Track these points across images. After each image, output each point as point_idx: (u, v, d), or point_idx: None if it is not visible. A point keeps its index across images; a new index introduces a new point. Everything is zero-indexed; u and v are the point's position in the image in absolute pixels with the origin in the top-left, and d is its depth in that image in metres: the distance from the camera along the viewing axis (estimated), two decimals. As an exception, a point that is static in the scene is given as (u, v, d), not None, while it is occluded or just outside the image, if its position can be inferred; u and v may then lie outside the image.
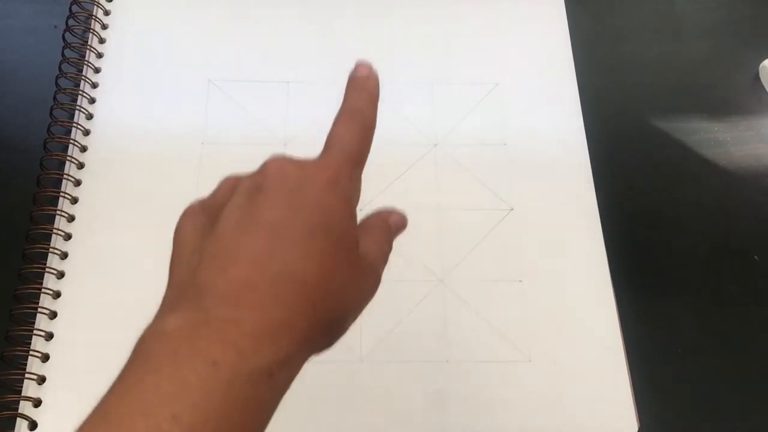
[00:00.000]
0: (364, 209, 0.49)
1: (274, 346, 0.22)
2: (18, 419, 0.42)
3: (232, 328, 0.22)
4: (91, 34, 0.54)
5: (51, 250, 0.46)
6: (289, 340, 0.23)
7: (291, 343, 0.23)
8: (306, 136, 0.52)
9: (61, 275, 0.46)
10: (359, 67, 0.31)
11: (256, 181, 0.26)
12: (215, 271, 0.24)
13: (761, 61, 0.56)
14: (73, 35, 0.54)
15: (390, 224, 0.31)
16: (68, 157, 0.49)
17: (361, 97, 0.30)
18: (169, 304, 0.25)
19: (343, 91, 0.30)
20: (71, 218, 0.48)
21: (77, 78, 0.52)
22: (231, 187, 0.27)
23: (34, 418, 0.42)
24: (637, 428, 0.43)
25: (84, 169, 0.50)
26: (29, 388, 0.43)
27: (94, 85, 0.53)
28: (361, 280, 0.27)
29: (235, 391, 0.21)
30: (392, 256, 0.47)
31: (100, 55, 0.54)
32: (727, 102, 0.56)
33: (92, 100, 0.52)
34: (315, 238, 0.24)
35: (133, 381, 0.23)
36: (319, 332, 0.24)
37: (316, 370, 0.44)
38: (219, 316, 0.23)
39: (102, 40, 0.55)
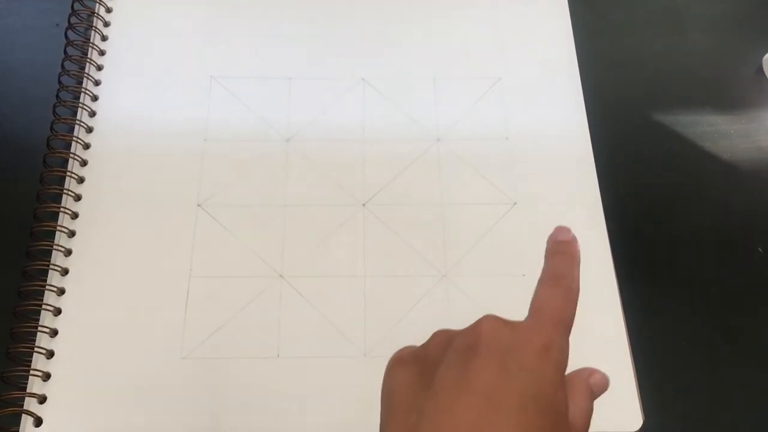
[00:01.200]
0: (367, 204, 0.49)
1: None
2: (23, 416, 0.42)
3: None
4: (93, 32, 0.54)
5: (55, 247, 0.46)
6: None
7: None
8: (308, 132, 0.52)
9: (65, 272, 0.46)
10: (560, 230, 0.31)
11: (470, 341, 0.26)
12: None
13: (765, 54, 0.56)
14: (76, 33, 0.54)
15: (592, 386, 0.30)
16: (71, 155, 0.49)
17: (565, 262, 0.30)
18: None
19: (545, 256, 0.31)
20: (75, 215, 0.48)
21: (80, 76, 0.52)
22: (443, 342, 0.28)
23: (39, 415, 0.42)
24: (641, 422, 0.43)
25: (87, 166, 0.50)
26: (34, 385, 0.43)
27: (97, 83, 0.53)
28: None
29: None
30: (396, 253, 0.47)
31: (102, 53, 0.54)
32: (730, 95, 0.55)
33: (95, 98, 0.52)
34: (528, 409, 0.24)
35: None
36: None
37: (319, 365, 0.44)
38: None
39: (104, 38, 0.55)
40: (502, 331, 0.26)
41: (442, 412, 0.24)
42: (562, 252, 0.31)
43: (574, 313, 0.29)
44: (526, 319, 0.28)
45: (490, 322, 0.27)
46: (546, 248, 0.31)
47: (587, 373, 0.30)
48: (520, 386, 0.25)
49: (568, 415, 0.27)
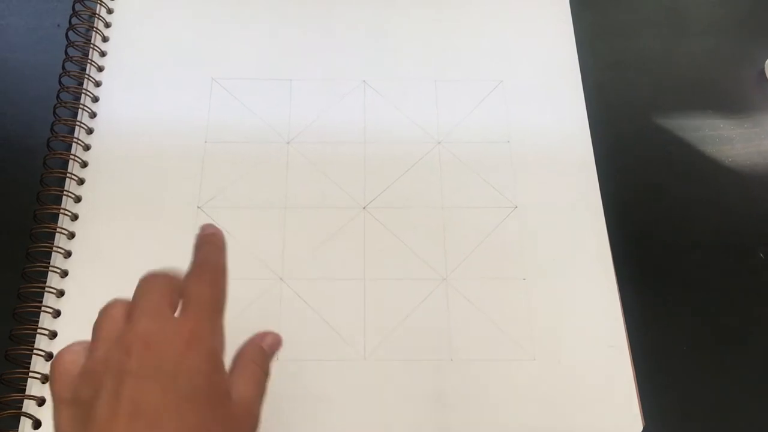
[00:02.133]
0: (368, 207, 0.49)
1: None
2: (22, 418, 0.42)
3: None
4: (94, 33, 0.54)
5: (54, 248, 0.46)
6: None
7: None
8: (309, 134, 0.52)
9: (64, 274, 0.46)
10: (204, 227, 0.34)
11: (122, 364, 0.27)
12: None
13: (766, 57, 0.56)
14: (77, 34, 0.54)
15: (265, 348, 0.32)
16: (71, 156, 0.49)
17: (209, 250, 0.32)
18: None
19: (192, 252, 0.32)
20: (75, 217, 0.48)
21: (80, 77, 0.52)
22: (94, 363, 0.28)
23: (38, 417, 0.42)
24: (642, 427, 0.43)
25: (87, 167, 0.50)
26: (33, 387, 0.43)
27: (98, 84, 0.53)
28: (237, 430, 0.28)
29: None
30: (396, 256, 0.47)
31: (103, 54, 0.54)
32: (732, 98, 0.55)
33: (95, 99, 0.52)
34: (186, 415, 0.26)
35: None
36: None
37: (319, 368, 0.44)
38: None
39: (105, 39, 0.55)
40: (152, 329, 0.28)
41: None
42: (206, 242, 0.33)
43: (224, 296, 0.31)
44: (178, 313, 0.30)
45: (140, 327, 0.28)
46: (193, 245, 0.32)
47: (258, 338, 0.32)
48: (175, 393, 0.26)
49: (234, 390, 0.29)
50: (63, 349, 0.30)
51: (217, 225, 0.47)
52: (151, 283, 0.31)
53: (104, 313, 0.31)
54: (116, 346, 0.28)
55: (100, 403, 0.26)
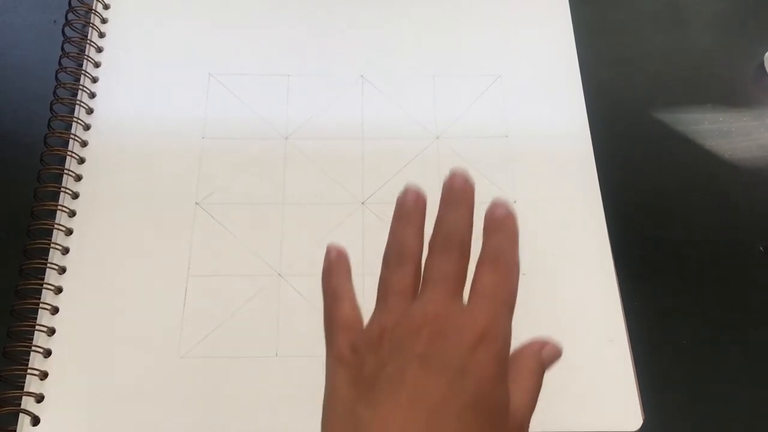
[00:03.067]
0: (366, 202, 0.49)
1: None
2: (20, 415, 0.42)
3: None
4: (90, 29, 0.54)
5: (52, 245, 0.46)
6: None
7: None
8: (307, 130, 0.52)
9: (62, 270, 0.46)
10: (497, 205, 0.30)
11: (411, 343, 0.26)
12: None
13: (766, 51, 0.56)
14: (73, 30, 0.53)
15: (543, 359, 0.30)
16: (69, 152, 0.49)
17: (504, 239, 0.29)
18: None
19: (483, 234, 0.30)
20: (72, 213, 0.48)
21: (77, 73, 0.52)
22: (381, 332, 0.27)
23: (37, 414, 0.42)
24: (641, 422, 0.43)
25: (85, 164, 0.49)
26: (31, 384, 0.43)
27: (94, 80, 0.52)
28: None
29: None
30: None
31: (99, 50, 0.54)
32: (731, 92, 0.55)
33: (92, 95, 0.52)
34: (466, 418, 0.25)
35: None
36: None
37: (318, 364, 0.44)
38: None
39: (102, 35, 0.54)
40: (444, 314, 0.26)
41: (380, 424, 0.25)
42: (498, 229, 0.29)
43: (516, 293, 0.29)
44: (468, 302, 0.28)
45: (435, 306, 0.26)
46: (483, 225, 0.30)
47: (538, 346, 0.30)
48: (459, 393, 0.25)
49: (510, 404, 0.27)
50: (339, 301, 0.29)
51: (215, 221, 0.48)
52: (448, 251, 0.28)
53: (396, 263, 0.29)
54: (406, 321, 0.27)
55: (383, 379, 0.25)
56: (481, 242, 0.30)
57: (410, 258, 0.29)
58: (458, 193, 0.31)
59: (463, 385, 0.25)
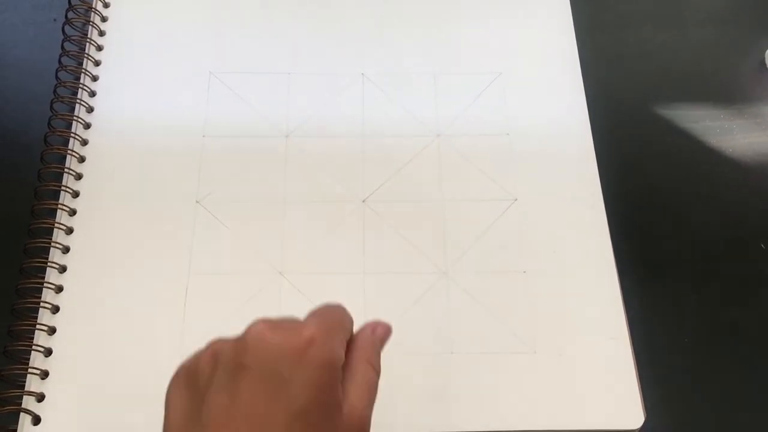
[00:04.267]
0: (367, 201, 0.49)
1: None
2: (21, 414, 0.42)
3: None
4: (90, 27, 0.54)
5: (53, 244, 0.46)
6: None
7: None
8: (307, 128, 0.51)
9: (63, 269, 0.46)
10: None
11: (238, 356, 0.27)
12: None
13: (767, 48, 0.56)
14: (73, 28, 0.53)
15: (376, 342, 0.31)
16: (69, 151, 0.49)
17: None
18: None
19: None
20: (73, 212, 0.47)
21: (77, 71, 0.52)
22: (214, 356, 0.28)
23: (38, 413, 0.42)
24: (643, 419, 0.43)
25: (85, 162, 0.49)
26: (32, 383, 0.43)
27: (95, 78, 0.52)
28: None
29: None
30: (396, 249, 0.47)
31: (100, 48, 0.54)
32: (732, 89, 0.55)
33: (92, 93, 0.52)
34: (296, 428, 0.25)
35: None
36: None
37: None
38: None
39: (102, 33, 0.54)
40: (267, 336, 0.27)
41: None
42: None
43: (350, 326, 0.30)
44: (304, 319, 0.29)
45: (257, 328, 0.27)
46: None
47: (370, 328, 0.31)
48: (288, 403, 0.25)
49: (345, 404, 0.27)
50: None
51: (216, 219, 0.48)
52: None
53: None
54: (233, 341, 0.27)
55: (211, 398, 0.26)
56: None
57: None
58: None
59: (290, 395, 0.26)
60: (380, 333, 0.32)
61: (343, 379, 0.28)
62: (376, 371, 0.30)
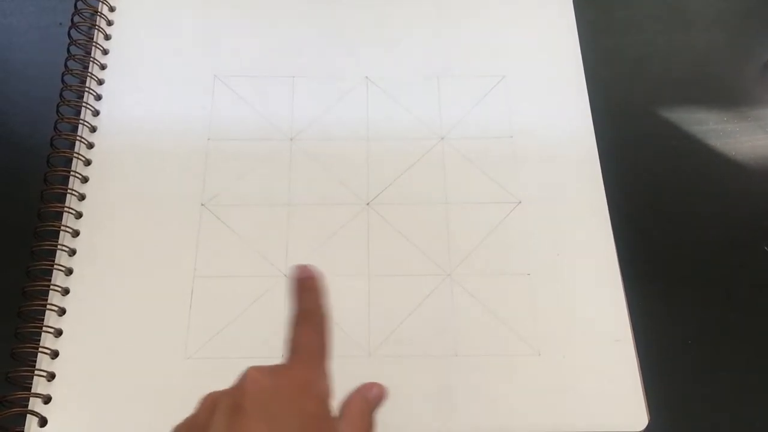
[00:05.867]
0: (371, 203, 0.49)
1: None
2: (28, 416, 0.42)
3: None
4: (96, 31, 0.54)
5: (59, 247, 0.46)
6: None
7: None
8: (312, 131, 0.52)
9: (69, 272, 0.46)
10: (300, 269, 0.34)
11: (236, 401, 0.27)
12: None
13: (770, 51, 0.56)
14: (79, 32, 0.54)
15: (370, 400, 0.32)
16: (75, 154, 0.49)
17: (311, 296, 0.33)
18: None
19: (291, 296, 0.33)
20: (79, 215, 0.48)
21: (83, 75, 0.52)
22: (210, 406, 0.28)
23: (44, 415, 0.42)
24: (647, 422, 0.43)
25: (91, 165, 0.50)
26: (39, 385, 0.43)
27: (100, 82, 0.53)
28: None
29: None
30: (400, 252, 0.47)
31: (105, 52, 0.54)
32: (735, 92, 0.55)
33: (98, 97, 0.52)
34: None
35: None
36: None
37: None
38: None
39: (107, 37, 0.55)
40: (264, 380, 0.28)
41: None
42: (306, 288, 0.33)
43: (329, 344, 0.32)
44: (287, 359, 0.30)
45: (252, 374, 0.28)
46: (290, 288, 0.33)
47: (365, 389, 0.32)
48: None
49: None
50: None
51: (221, 222, 0.48)
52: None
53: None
54: (229, 388, 0.29)
55: None
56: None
57: None
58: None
59: (292, 427, 0.27)
60: (374, 396, 0.32)
61: (340, 423, 0.30)
62: (370, 423, 0.31)
